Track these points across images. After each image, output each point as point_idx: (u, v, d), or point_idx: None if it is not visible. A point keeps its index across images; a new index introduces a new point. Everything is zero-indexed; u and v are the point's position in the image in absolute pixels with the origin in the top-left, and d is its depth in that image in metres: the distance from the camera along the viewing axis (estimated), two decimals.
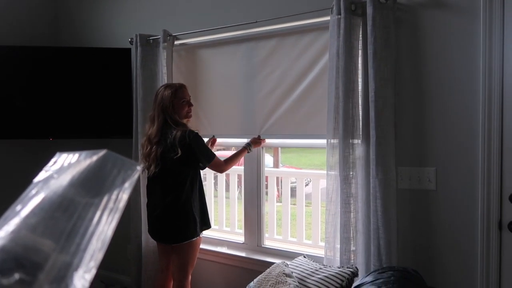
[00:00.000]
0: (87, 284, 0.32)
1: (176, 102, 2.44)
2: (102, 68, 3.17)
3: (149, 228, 2.56)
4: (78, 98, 3.17)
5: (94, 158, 0.45)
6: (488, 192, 1.92)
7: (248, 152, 2.60)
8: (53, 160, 0.45)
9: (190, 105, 2.53)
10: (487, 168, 1.91)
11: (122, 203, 0.42)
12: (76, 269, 0.34)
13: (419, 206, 2.10)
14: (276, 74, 2.56)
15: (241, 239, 2.92)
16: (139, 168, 0.46)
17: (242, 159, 2.81)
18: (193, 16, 2.89)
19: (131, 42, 3.05)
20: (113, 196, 0.43)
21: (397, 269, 1.67)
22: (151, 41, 2.97)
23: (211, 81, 2.84)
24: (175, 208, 2.36)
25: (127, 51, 3.11)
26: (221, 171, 2.57)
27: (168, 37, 2.89)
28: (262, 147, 2.76)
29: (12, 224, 0.35)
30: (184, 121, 2.50)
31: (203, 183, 3.60)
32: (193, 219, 2.37)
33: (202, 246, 2.77)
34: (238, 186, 4.42)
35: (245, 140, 2.69)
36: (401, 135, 2.13)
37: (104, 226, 0.39)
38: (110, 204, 0.42)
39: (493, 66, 1.88)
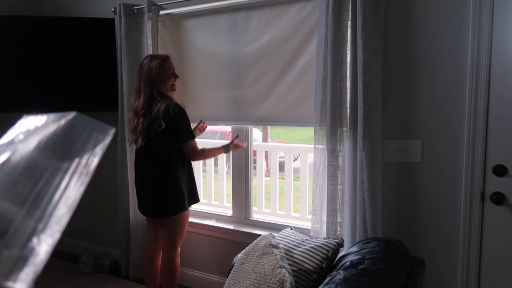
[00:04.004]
0: (49, 248, 0.31)
1: (163, 73, 2.37)
2: (85, 39, 3.07)
3: (138, 203, 2.55)
4: (61, 70, 3.07)
5: (62, 121, 0.43)
6: (472, 164, 1.94)
7: (225, 153, 2.55)
8: (19, 122, 0.43)
9: (176, 76, 2.46)
10: (472, 141, 1.93)
11: (91, 167, 0.40)
12: (39, 234, 0.32)
13: (405, 179, 2.13)
14: (263, 46, 2.50)
15: (229, 212, 2.94)
16: (111, 131, 0.44)
17: (229, 136, 2.78)
18: None
19: (114, 12, 2.95)
20: (83, 161, 0.41)
21: (382, 240, 1.69)
22: (135, 10, 2.88)
23: (197, 54, 2.78)
24: (162, 181, 2.34)
25: (111, 21, 3.01)
26: (192, 157, 2.42)
27: (153, 7, 2.80)
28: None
29: None
30: (169, 93, 2.44)
31: None
32: (181, 193, 2.36)
33: (191, 219, 2.79)
34: (227, 161, 4.42)
35: (229, 129, 2.66)
36: (388, 108, 2.12)
37: (71, 190, 0.37)
38: (80, 169, 0.40)
39: (482, 40, 1.87)
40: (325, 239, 1.85)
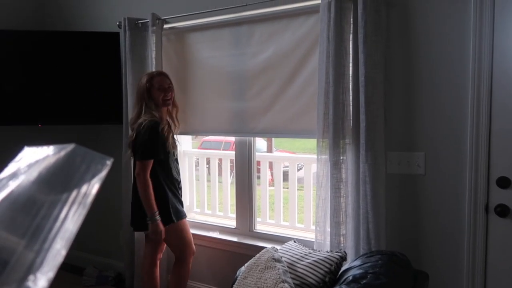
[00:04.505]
0: (46, 284, 0.32)
1: (152, 88, 2.45)
2: (90, 52, 3.12)
3: None
4: (67, 83, 3.12)
5: (62, 153, 0.44)
6: (476, 176, 1.93)
7: (147, 220, 2.36)
8: (20, 154, 0.44)
9: (166, 91, 2.48)
10: (475, 152, 1.93)
11: (90, 198, 0.42)
12: (38, 268, 0.33)
13: (408, 191, 2.12)
14: (266, 60, 2.53)
15: (233, 223, 2.94)
16: (108, 162, 0.46)
17: (233, 146, 2.80)
18: None
19: (119, 26, 3.00)
20: (82, 191, 0.43)
21: (385, 253, 1.69)
22: (140, 24, 2.92)
23: (201, 67, 2.80)
24: (135, 195, 2.42)
25: (116, 35, 3.06)
26: (136, 174, 2.35)
27: (157, 21, 2.84)
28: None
29: None
30: (164, 109, 2.50)
31: (196, 168, 3.62)
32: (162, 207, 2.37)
33: (195, 231, 2.80)
34: (231, 171, 4.44)
35: (232, 139, 2.70)
36: (390, 120, 2.13)
37: (69, 223, 0.38)
38: (78, 199, 0.42)
39: (483, 51, 1.88)
40: (328, 252, 1.85)
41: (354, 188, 2.17)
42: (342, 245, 2.18)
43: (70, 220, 0.39)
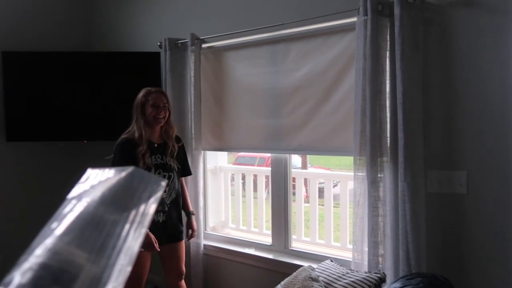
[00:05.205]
0: None
1: (146, 104, 2.43)
2: (133, 71, 3.26)
3: None
4: (111, 101, 3.28)
5: (123, 174, 0.48)
6: None
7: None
8: (84, 176, 0.49)
9: (159, 109, 2.43)
10: None
11: (148, 218, 0.45)
12: (105, 283, 0.36)
13: (450, 211, 2.05)
14: (302, 77, 2.55)
15: (268, 240, 2.94)
16: (163, 183, 0.49)
17: (267, 162, 2.82)
18: (219, 19, 2.93)
19: (160, 46, 3.13)
20: (140, 211, 0.46)
21: (426, 276, 1.64)
22: (180, 44, 3.03)
23: (237, 84, 2.86)
24: None
25: (157, 54, 3.19)
26: None
27: (196, 41, 2.94)
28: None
29: (49, 241, 0.38)
30: (157, 128, 2.47)
31: (231, 183, 3.66)
32: None
33: (231, 247, 2.82)
34: (266, 187, 4.45)
35: (268, 155, 2.70)
36: (430, 138, 2.08)
37: (131, 241, 0.41)
38: (137, 218, 0.45)
39: None
40: (366, 273, 1.82)
41: (392, 207, 2.12)
42: (380, 265, 2.13)
43: (131, 238, 0.42)
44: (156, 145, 2.46)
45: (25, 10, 3.42)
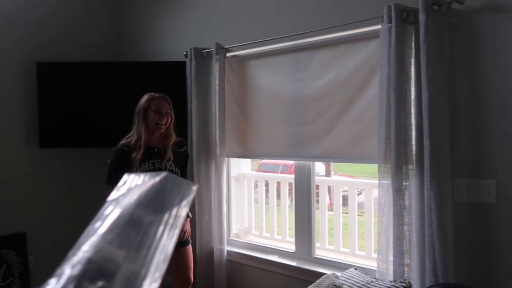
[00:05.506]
0: None
1: (149, 109, 2.42)
2: (159, 80, 3.35)
3: None
4: None
5: (157, 179, 0.51)
6: None
7: None
8: (122, 180, 0.52)
9: (162, 115, 2.42)
10: None
11: (180, 220, 0.48)
12: (143, 278, 0.39)
13: (478, 220, 2.01)
14: (326, 85, 2.56)
15: (292, 247, 2.94)
16: (194, 188, 0.52)
17: (291, 169, 2.83)
18: (244, 28, 2.98)
19: (185, 55, 3.20)
20: (173, 213, 0.49)
21: (454, 286, 1.61)
22: (205, 54, 3.10)
23: (261, 92, 2.90)
24: None
25: (182, 63, 3.27)
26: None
27: (221, 50, 3.00)
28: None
29: (94, 238, 0.41)
30: (156, 134, 2.45)
31: (254, 190, 3.68)
32: None
33: (254, 254, 2.83)
34: (289, 194, 4.45)
35: (291, 162, 2.72)
36: (457, 146, 2.05)
37: (166, 240, 0.44)
38: (171, 220, 0.48)
39: None
40: (391, 282, 1.80)
41: (418, 215, 2.09)
42: (406, 275, 2.09)
43: (166, 237, 0.45)
44: (156, 149, 2.45)
45: (59, 23, 3.59)
